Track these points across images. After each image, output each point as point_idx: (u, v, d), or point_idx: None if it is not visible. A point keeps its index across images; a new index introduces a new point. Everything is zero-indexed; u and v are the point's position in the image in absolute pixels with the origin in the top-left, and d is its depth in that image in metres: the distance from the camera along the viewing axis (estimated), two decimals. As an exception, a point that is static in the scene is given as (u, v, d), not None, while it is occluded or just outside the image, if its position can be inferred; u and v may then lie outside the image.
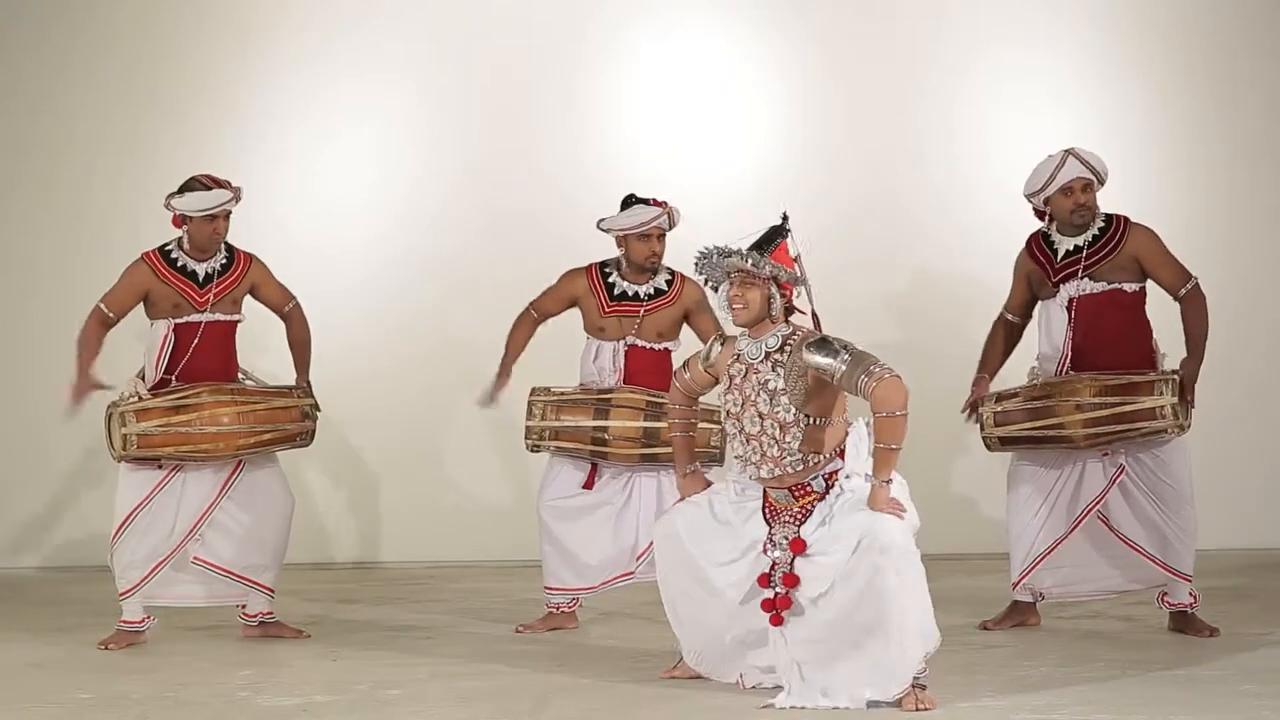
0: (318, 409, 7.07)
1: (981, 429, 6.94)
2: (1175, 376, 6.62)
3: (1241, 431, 9.09)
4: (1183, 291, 6.76)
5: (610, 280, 7.17)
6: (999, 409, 6.88)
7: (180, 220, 6.87)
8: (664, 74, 9.41)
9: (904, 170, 9.34)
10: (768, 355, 5.61)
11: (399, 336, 9.25)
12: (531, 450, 7.15)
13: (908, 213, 9.31)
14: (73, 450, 8.99)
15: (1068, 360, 6.80)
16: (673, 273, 7.19)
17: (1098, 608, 7.15)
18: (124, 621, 6.87)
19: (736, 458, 5.71)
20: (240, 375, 7.02)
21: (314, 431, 7.06)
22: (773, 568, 5.59)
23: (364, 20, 9.43)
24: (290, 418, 6.98)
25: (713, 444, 6.95)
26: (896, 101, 9.36)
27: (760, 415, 5.59)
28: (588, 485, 7.13)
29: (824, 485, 5.60)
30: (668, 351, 7.22)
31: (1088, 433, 6.67)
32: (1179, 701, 5.47)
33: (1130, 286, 6.79)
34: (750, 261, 5.57)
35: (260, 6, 9.47)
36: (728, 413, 5.70)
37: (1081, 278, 6.79)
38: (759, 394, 5.59)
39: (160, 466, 6.85)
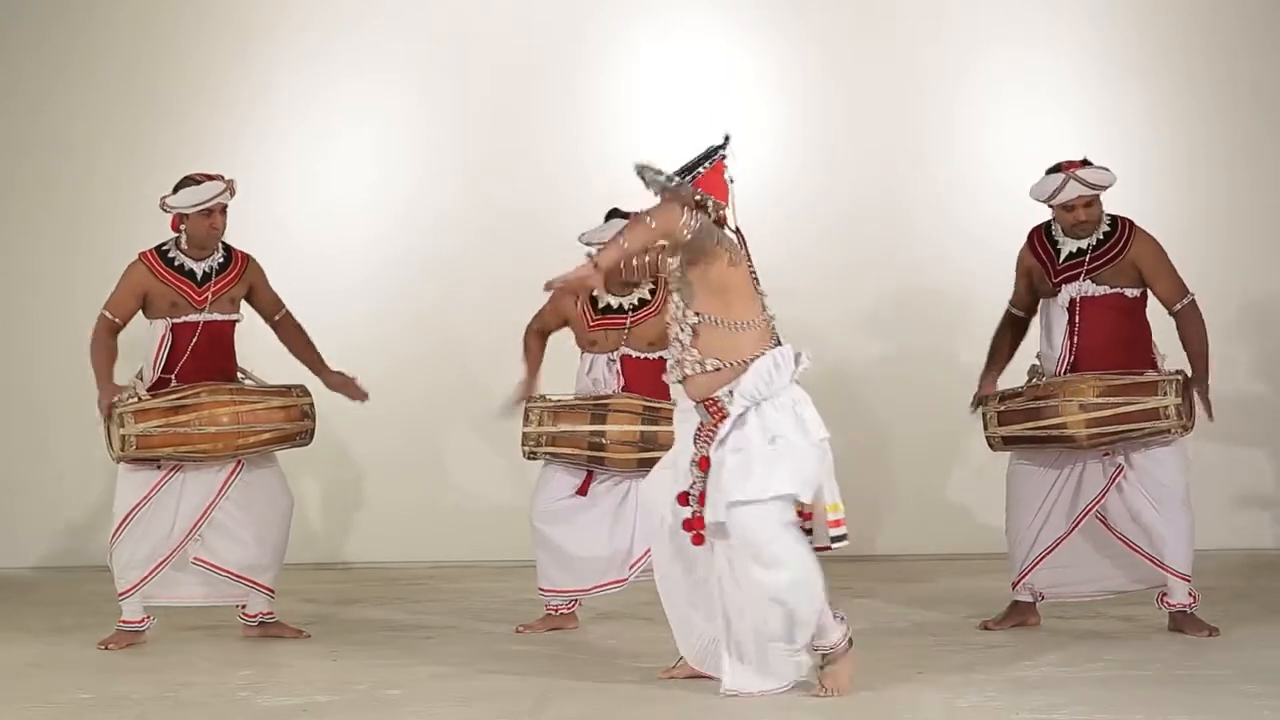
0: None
1: (985, 428, 6.94)
2: (1179, 377, 6.63)
3: (1241, 431, 9.08)
4: (1177, 307, 6.76)
5: (594, 294, 7.11)
6: (1002, 408, 6.88)
7: (178, 220, 6.87)
8: (664, 74, 9.41)
9: (904, 170, 9.34)
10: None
11: (399, 337, 9.25)
12: (528, 458, 7.13)
13: (907, 213, 9.31)
14: (73, 450, 8.99)
15: (1067, 361, 6.80)
16: (657, 282, 7.14)
17: (1098, 608, 7.15)
18: (124, 621, 6.87)
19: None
20: (239, 375, 7.02)
21: (313, 431, 7.06)
22: (691, 486, 5.62)
23: (364, 20, 9.43)
24: (289, 417, 6.97)
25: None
26: (896, 101, 9.36)
27: (672, 318, 5.61)
28: (581, 492, 7.11)
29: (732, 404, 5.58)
30: (662, 360, 7.19)
31: (1091, 432, 6.66)
32: (1179, 701, 5.47)
33: (1131, 292, 6.79)
34: (674, 184, 5.55)
35: (260, 6, 9.47)
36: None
37: (1084, 280, 6.78)
38: (671, 296, 5.63)
39: (159, 467, 6.85)
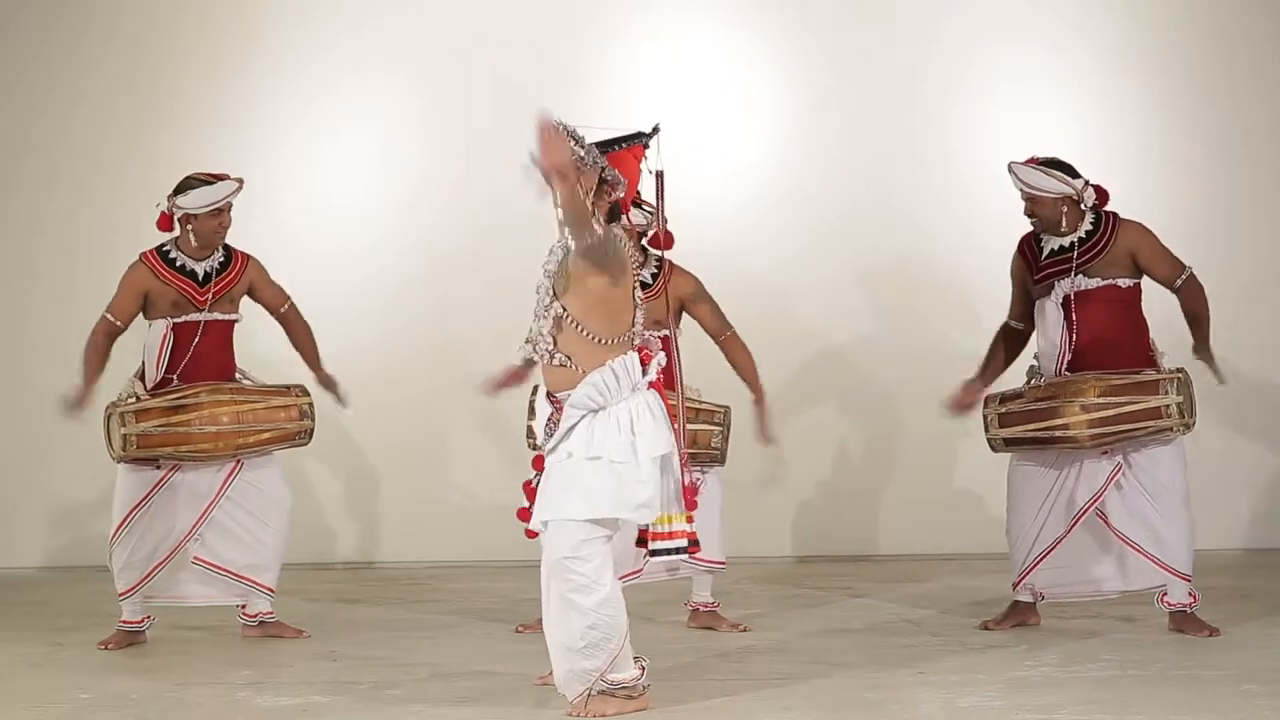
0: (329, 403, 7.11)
1: (986, 430, 6.93)
2: (1180, 375, 6.63)
3: (1241, 431, 9.09)
4: (1179, 282, 6.77)
5: None
6: (1003, 410, 6.87)
7: (184, 220, 6.87)
8: (664, 74, 9.40)
9: (904, 169, 9.34)
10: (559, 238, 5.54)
11: (399, 336, 9.25)
12: (534, 449, 7.13)
13: (908, 212, 9.31)
14: (73, 450, 8.98)
15: (1065, 358, 6.79)
16: (661, 264, 7.10)
17: (1098, 608, 7.14)
18: (124, 621, 6.87)
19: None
20: (238, 375, 7.03)
21: (313, 430, 7.06)
22: (534, 479, 5.59)
23: (364, 20, 9.43)
24: (289, 417, 6.97)
25: (713, 445, 6.93)
26: (897, 102, 9.37)
27: (538, 298, 5.53)
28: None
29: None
30: (666, 339, 7.16)
31: (1093, 433, 6.66)
32: (1179, 701, 5.47)
33: (1124, 282, 6.79)
34: (584, 152, 5.44)
35: (261, 6, 9.47)
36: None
37: (1075, 275, 6.78)
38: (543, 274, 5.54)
39: (159, 466, 6.86)
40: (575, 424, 5.43)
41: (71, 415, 6.80)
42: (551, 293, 5.49)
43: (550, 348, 5.47)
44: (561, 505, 5.40)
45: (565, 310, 5.45)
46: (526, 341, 5.58)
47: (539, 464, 5.58)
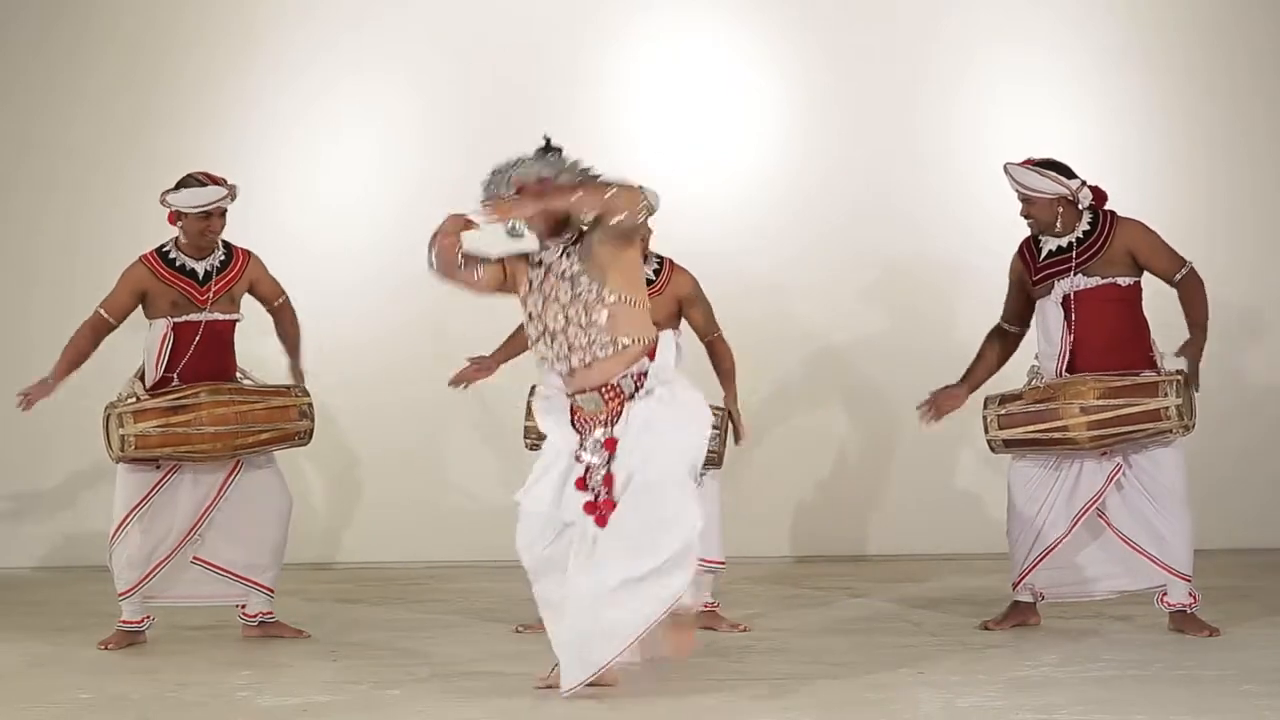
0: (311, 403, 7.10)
1: (985, 431, 6.93)
2: (1180, 377, 6.62)
3: (1242, 431, 9.09)
4: (1178, 276, 6.76)
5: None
6: (1003, 411, 6.86)
7: (175, 217, 6.88)
8: (664, 73, 9.41)
9: (904, 170, 9.35)
10: (564, 250, 5.61)
11: (399, 336, 9.25)
12: (531, 449, 7.14)
13: (908, 213, 9.32)
14: (73, 450, 8.99)
15: (1065, 357, 6.79)
16: (662, 261, 7.14)
17: (1098, 608, 7.15)
18: (123, 621, 6.87)
19: (542, 359, 5.67)
20: (238, 375, 7.03)
21: (312, 430, 7.06)
22: (588, 471, 5.57)
23: (364, 20, 9.43)
24: (288, 417, 6.97)
25: (711, 447, 6.92)
26: (897, 102, 9.37)
27: (563, 307, 5.57)
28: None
29: (633, 387, 5.54)
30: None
31: (1093, 435, 6.66)
32: (1179, 701, 5.47)
33: (1124, 280, 6.78)
34: (546, 168, 5.64)
35: (261, 6, 9.48)
36: (529, 316, 5.67)
37: (1075, 274, 6.78)
38: (558, 286, 5.58)
39: (158, 467, 6.86)
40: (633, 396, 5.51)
41: (24, 403, 6.79)
42: (595, 290, 5.51)
43: (610, 338, 5.51)
44: (660, 461, 5.47)
45: (616, 294, 5.52)
46: (574, 350, 5.57)
47: (612, 445, 5.56)
